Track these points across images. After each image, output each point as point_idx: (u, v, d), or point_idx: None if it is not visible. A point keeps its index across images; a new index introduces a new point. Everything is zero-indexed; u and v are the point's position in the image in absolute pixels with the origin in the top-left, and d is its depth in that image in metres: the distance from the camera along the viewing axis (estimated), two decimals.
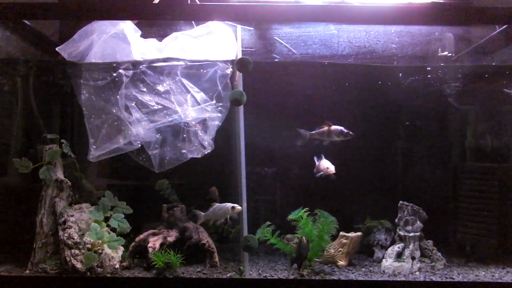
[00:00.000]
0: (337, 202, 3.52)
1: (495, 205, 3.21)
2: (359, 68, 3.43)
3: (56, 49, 2.89)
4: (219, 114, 3.05)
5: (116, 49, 2.95)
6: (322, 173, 3.06)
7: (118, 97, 2.93)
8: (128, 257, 2.97)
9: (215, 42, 3.05)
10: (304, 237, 2.89)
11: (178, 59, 3.03)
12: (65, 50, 2.89)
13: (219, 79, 3.05)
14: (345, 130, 3.08)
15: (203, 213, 3.01)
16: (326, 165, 3.05)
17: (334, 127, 3.10)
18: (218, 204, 3.01)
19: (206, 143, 3.00)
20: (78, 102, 2.96)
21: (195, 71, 3.06)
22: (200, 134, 3.00)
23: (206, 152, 2.99)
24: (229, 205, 2.93)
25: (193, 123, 3.00)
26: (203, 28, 3.05)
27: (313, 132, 3.15)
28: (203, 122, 3.03)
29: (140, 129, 2.92)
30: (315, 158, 3.13)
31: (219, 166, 3.35)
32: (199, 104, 3.03)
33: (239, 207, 2.92)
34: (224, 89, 3.06)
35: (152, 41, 3.06)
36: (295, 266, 2.93)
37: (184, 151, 2.99)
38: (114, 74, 2.96)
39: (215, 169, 3.37)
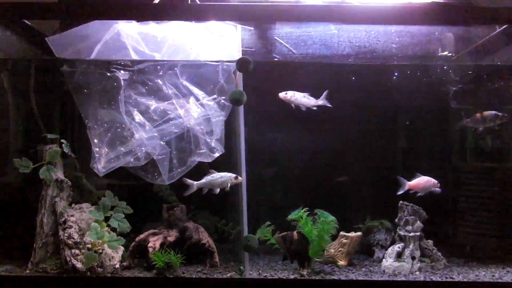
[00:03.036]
0: (337, 202, 3.53)
1: (495, 205, 3.21)
2: (357, 67, 3.43)
3: (46, 39, 2.87)
4: (223, 111, 3.01)
5: (113, 53, 2.92)
6: (428, 190, 3.10)
7: (119, 102, 2.91)
8: (129, 257, 2.97)
9: (219, 33, 3.03)
10: (295, 232, 2.87)
11: (177, 60, 3.02)
12: (56, 46, 2.87)
13: (222, 71, 3.02)
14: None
15: (195, 182, 2.94)
16: (432, 180, 3.10)
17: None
18: (217, 173, 2.93)
19: (213, 144, 2.98)
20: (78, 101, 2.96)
21: (196, 70, 3.04)
22: (207, 139, 2.97)
23: (215, 156, 2.97)
24: (232, 174, 2.89)
25: (197, 127, 2.97)
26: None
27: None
28: (208, 121, 2.99)
29: (143, 134, 2.91)
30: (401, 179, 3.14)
31: (219, 166, 3.34)
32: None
33: (241, 178, 2.90)
34: (227, 82, 3.02)
35: (150, 27, 3.01)
36: (295, 266, 2.93)
37: (193, 158, 2.95)
38: (113, 79, 2.93)
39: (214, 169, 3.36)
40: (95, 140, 2.90)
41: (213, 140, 2.99)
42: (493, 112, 3.12)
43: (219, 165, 3.02)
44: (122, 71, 2.96)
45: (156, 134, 2.94)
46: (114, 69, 2.95)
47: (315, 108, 3.17)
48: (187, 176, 2.95)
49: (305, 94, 3.16)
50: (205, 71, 3.04)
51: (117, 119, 2.93)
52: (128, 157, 2.89)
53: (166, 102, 2.98)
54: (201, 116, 2.99)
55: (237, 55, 3.01)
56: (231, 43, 3.04)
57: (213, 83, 3.03)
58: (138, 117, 2.93)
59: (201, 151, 2.97)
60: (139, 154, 2.90)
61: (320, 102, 3.18)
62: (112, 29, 2.93)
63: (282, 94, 3.14)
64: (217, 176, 2.92)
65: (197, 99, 3.01)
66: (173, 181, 2.96)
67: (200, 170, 3.00)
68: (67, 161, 3.07)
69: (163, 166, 2.93)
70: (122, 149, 2.91)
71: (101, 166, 2.86)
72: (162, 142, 2.95)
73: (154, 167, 2.95)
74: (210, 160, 2.97)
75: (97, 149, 2.90)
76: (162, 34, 3.01)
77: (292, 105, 3.15)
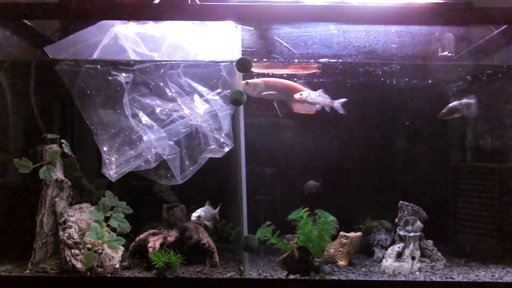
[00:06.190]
0: (337, 202, 3.53)
1: (495, 205, 3.21)
2: (356, 66, 3.43)
3: (44, 48, 2.87)
4: (229, 105, 2.98)
5: (112, 58, 2.91)
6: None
7: (123, 105, 2.89)
8: (128, 257, 2.97)
9: (217, 26, 3.01)
10: (295, 250, 2.84)
11: (178, 61, 3.00)
12: (54, 54, 2.86)
13: (223, 65, 3.00)
14: None
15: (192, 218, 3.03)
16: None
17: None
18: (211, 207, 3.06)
19: (222, 140, 2.96)
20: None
21: (197, 66, 3.02)
22: (216, 134, 2.96)
23: (225, 151, 2.96)
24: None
25: (205, 124, 2.96)
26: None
27: None
28: (215, 117, 2.97)
29: (152, 135, 2.89)
30: None
31: (219, 166, 3.35)
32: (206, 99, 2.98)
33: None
34: (229, 75, 3.00)
35: (148, 27, 2.99)
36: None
37: (203, 155, 2.94)
38: (115, 83, 2.92)
39: (214, 169, 3.36)
40: (104, 147, 2.88)
41: (222, 135, 2.97)
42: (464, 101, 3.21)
43: (218, 165, 3.03)
44: (123, 74, 2.95)
45: (164, 134, 2.92)
46: (115, 73, 2.94)
47: (328, 109, 3.17)
48: (199, 173, 2.95)
49: (320, 93, 3.15)
50: (207, 66, 3.02)
51: (124, 122, 2.91)
52: (138, 160, 2.87)
53: (170, 102, 2.97)
54: (207, 112, 2.97)
55: (237, 55, 3.01)
56: (229, 36, 3.02)
57: (216, 78, 3.01)
58: (144, 118, 2.91)
59: (211, 147, 2.95)
60: (149, 156, 2.88)
61: (336, 104, 3.17)
62: (109, 33, 2.90)
63: (297, 95, 3.14)
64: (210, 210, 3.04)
65: (201, 96, 3.00)
66: (185, 179, 2.94)
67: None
68: (67, 161, 3.06)
69: (174, 166, 2.91)
70: (132, 152, 2.88)
71: (112, 172, 2.84)
72: (171, 142, 2.94)
73: (165, 169, 2.94)
74: (220, 156, 2.96)
75: (107, 155, 2.88)
76: (161, 33, 2.99)
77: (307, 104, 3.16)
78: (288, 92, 3.20)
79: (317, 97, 3.15)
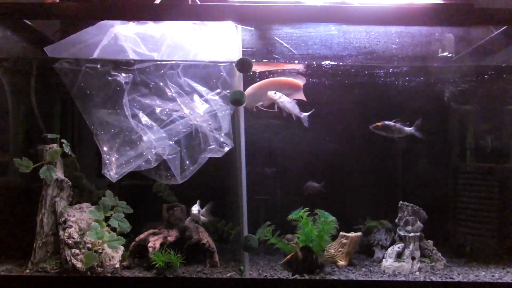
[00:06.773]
0: (337, 202, 3.53)
1: (495, 205, 3.21)
2: (354, 68, 3.43)
3: (44, 49, 2.86)
4: (228, 105, 2.98)
5: (112, 57, 2.91)
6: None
7: (123, 106, 2.89)
8: (129, 257, 2.97)
9: (218, 28, 3.01)
10: (298, 251, 2.86)
11: (178, 61, 3.01)
12: (53, 55, 2.86)
13: (223, 65, 3.00)
14: None
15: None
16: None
17: None
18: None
19: (222, 139, 2.96)
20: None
21: (197, 66, 3.02)
22: (216, 134, 2.96)
23: (225, 151, 2.96)
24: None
25: (204, 124, 2.96)
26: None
27: None
28: (215, 116, 2.97)
29: (151, 135, 2.89)
30: None
31: (219, 166, 3.35)
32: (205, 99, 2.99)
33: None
34: (229, 75, 3.00)
35: (148, 27, 2.99)
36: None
37: (203, 155, 2.94)
38: (115, 83, 2.92)
39: (214, 169, 3.36)
40: (104, 147, 2.88)
41: (222, 135, 2.98)
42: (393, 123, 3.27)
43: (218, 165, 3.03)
44: (123, 74, 2.94)
45: (164, 134, 2.92)
46: (115, 73, 2.94)
47: (294, 118, 3.20)
48: (199, 172, 2.96)
49: (292, 101, 3.17)
50: (206, 66, 3.02)
51: (124, 123, 2.90)
52: (139, 160, 2.87)
53: (170, 102, 2.96)
54: (207, 112, 2.97)
55: (237, 55, 3.01)
56: (229, 36, 3.02)
57: (216, 77, 3.01)
58: (144, 119, 2.91)
59: (211, 146, 2.95)
60: (149, 156, 2.87)
61: (303, 115, 3.19)
62: (109, 34, 2.90)
63: (271, 93, 3.15)
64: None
65: (201, 95, 3.00)
66: (185, 179, 2.94)
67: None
68: (67, 161, 3.07)
69: (174, 165, 2.91)
70: (132, 152, 2.88)
71: (113, 172, 2.84)
72: (171, 142, 2.93)
73: (166, 168, 2.94)
74: (220, 155, 2.96)
75: (107, 155, 2.87)
76: (160, 33, 2.99)
77: (276, 106, 3.16)
78: (289, 87, 3.23)
79: (287, 103, 3.16)
